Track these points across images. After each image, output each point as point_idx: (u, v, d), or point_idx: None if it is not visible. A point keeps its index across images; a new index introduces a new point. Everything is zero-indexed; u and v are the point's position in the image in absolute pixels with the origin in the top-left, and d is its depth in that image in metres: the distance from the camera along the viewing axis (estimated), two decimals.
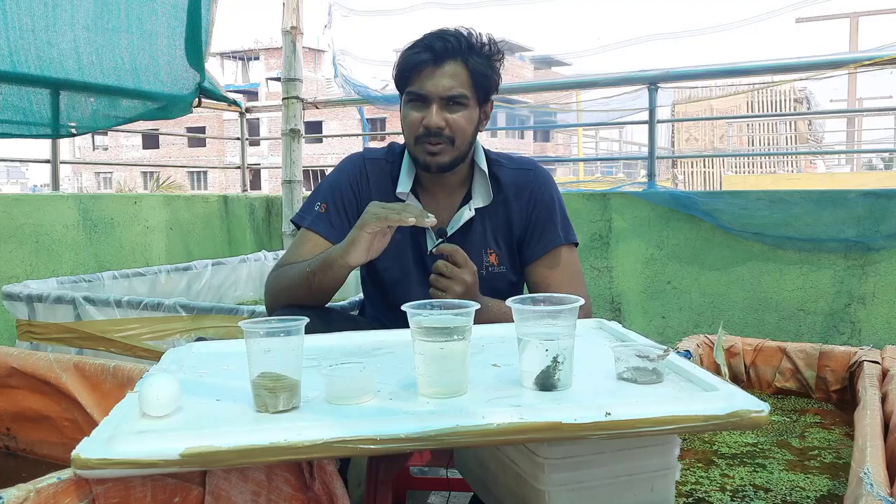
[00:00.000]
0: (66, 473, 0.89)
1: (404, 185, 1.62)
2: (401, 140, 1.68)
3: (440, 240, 1.62)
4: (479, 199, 1.63)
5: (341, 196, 1.64)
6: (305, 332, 1.01)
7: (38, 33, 2.73)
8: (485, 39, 1.56)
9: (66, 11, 2.81)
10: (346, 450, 0.86)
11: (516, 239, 1.65)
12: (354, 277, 3.14)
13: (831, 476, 1.62)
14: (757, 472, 1.65)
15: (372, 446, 0.86)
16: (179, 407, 0.96)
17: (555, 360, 1.00)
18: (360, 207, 1.59)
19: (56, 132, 3.05)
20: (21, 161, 3.74)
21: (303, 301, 1.50)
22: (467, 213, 1.62)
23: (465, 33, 1.54)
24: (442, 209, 1.64)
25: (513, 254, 1.66)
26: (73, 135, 3.12)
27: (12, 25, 2.64)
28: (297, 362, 0.98)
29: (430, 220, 1.30)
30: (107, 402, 1.56)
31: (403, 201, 1.60)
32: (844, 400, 2.15)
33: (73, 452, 0.83)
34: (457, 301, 1.07)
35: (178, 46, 3.17)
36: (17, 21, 2.66)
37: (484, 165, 1.63)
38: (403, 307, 1.02)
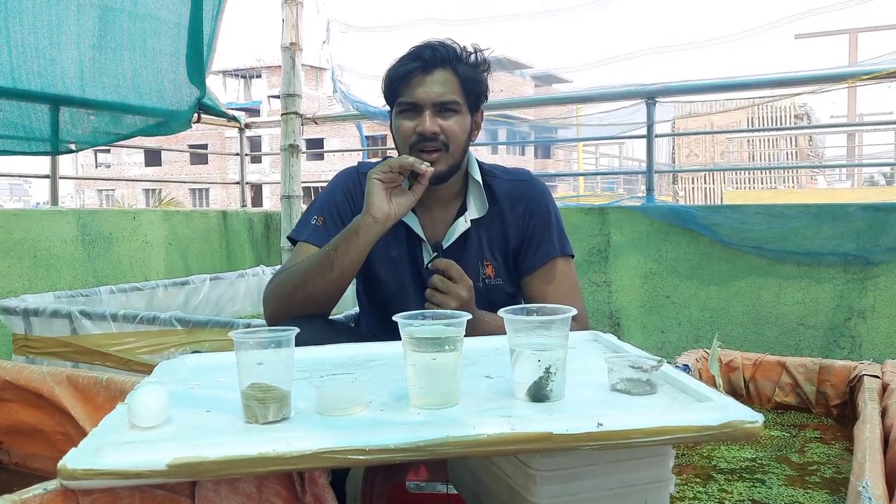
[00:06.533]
0: (52, 484, 0.89)
1: None
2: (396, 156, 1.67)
3: (435, 254, 1.61)
4: (475, 210, 1.62)
5: (337, 208, 1.63)
6: (309, 344, 1.00)
7: (40, 50, 2.74)
8: (470, 49, 1.57)
9: (69, 29, 2.83)
10: (335, 460, 0.86)
11: (512, 250, 1.63)
12: (351, 291, 3.13)
13: (831, 491, 1.60)
14: (756, 487, 1.63)
15: (361, 457, 0.85)
16: (169, 418, 0.95)
17: (547, 370, 0.99)
18: None
19: (56, 149, 3.06)
20: (21, 176, 3.74)
21: (318, 292, 1.46)
22: (462, 225, 1.60)
23: (451, 43, 1.55)
24: (437, 222, 1.63)
25: (509, 265, 1.64)
26: (72, 151, 3.13)
27: (15, 42, 2.66)
28: (288, 373, 0.97)
29: (426, 167, 1.40)
30: (99, 415, 1.54)
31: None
32: (844, 415, 2.14)
33: (60, 463, 0.82)
34: (449, 311, 1.06)
35: (179, 62, 3.19)
36: (20, 38, 2.67)
37: (478, 176, 1.63)
38: (395, 317, 1.01)
